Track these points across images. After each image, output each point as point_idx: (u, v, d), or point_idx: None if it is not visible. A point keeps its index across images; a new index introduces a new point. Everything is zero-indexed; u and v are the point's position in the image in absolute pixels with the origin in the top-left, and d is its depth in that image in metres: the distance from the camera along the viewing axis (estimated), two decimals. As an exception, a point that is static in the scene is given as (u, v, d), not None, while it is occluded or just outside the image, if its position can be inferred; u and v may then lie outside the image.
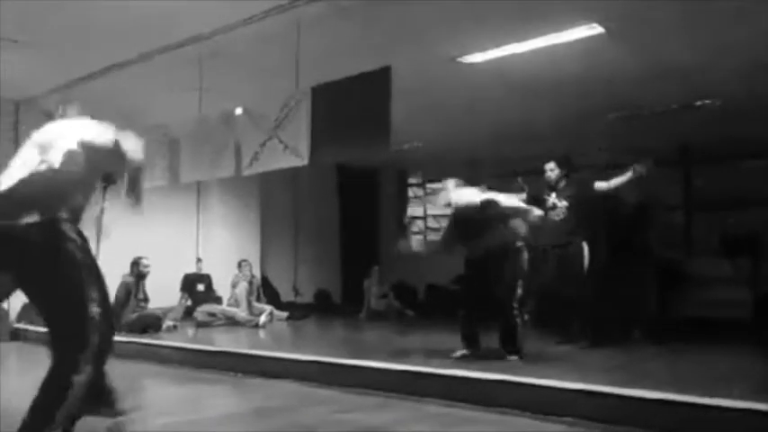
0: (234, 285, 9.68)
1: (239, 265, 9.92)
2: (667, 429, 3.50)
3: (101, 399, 3.12)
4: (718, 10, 5.54)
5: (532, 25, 5.98)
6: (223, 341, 7.39)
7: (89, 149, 3.01)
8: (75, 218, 3.06)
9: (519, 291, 5.35)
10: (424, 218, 13.74)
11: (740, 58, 6.65)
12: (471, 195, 5.55)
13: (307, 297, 11.98)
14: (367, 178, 13.57)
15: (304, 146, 5.93)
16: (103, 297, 3.01)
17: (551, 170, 6.42)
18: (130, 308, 7.94)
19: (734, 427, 3.41)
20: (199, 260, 10.34)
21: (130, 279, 8.18)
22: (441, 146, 10.98)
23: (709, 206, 10.04)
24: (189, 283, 9.87)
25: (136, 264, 8.28)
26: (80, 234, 3.02)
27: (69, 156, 2.95)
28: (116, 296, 7.93)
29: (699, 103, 7.95)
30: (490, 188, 5.76)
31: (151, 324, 7.92)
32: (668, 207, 10.26)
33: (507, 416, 3.95)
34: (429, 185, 13.76)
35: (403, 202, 14.07)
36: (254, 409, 4.26)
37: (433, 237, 13.45)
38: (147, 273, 8.29)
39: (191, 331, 8.35)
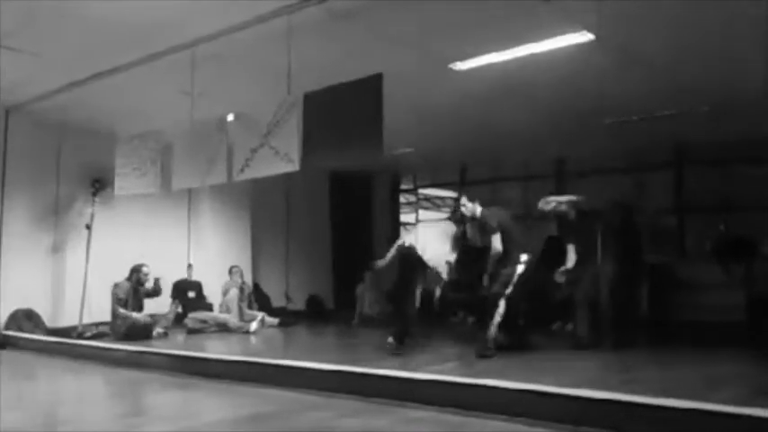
0: (225, 292, 9.65)
1: (230, 272, 9.90)
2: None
3: None
4: (707, 16, 5.58)
5: (524, 32, 6.00)
6: (214, 348, 7.36)
7: None
8: None
9: None
10: (416, 224, 13.76)
11: (730, 63, 6.70)
12: None
13: (298, 303, 11.94)
14: (359, 184, 13.57)
15: (295, 152, 5.92)
16: None
17: (463, 205, 6.68)
18: (122, 314, 7.93)
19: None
20: (189, 267, 10.29)
21: (127, 284, 8.17)
22: (433, 151, 11.01)
23: (701, 210, 10.12)
24: (180, 289, 9.83)
25: (136, 271, 8.29)
26: None
27: None
28: (116, 298, 7.97)
29: (689, 108, 8.01)
30: None
31: (142, 331, 7.89)
32: (661, 210, 10.36)
33: (497, 420, 3.95)
34: (421, 191, 13.78)
35: (395, 207, 14.08)
36: (247, 416, 4.24)
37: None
38: (146, 281, 8.32)
39: (181, 338, 8.32)
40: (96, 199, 9.06)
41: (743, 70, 6.81)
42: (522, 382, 4.26)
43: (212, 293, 10.01)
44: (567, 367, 5.66)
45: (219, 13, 5.59)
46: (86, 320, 8.62)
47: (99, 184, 9.01)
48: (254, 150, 6.25)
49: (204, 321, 9.12)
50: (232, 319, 9.20)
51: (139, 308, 8.29)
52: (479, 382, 4.35)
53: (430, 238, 7.12)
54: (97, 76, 7.00)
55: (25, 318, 8.22)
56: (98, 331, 8.33)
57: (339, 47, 6.31)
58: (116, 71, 6.82)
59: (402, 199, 14.13)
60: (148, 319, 8.19)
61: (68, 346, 7.31)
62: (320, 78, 5.76)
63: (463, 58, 6.70)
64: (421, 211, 13.79)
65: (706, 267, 8.84)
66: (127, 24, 5.81)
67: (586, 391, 3.96)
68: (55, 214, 8.93)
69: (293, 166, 5.98)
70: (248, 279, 10.72)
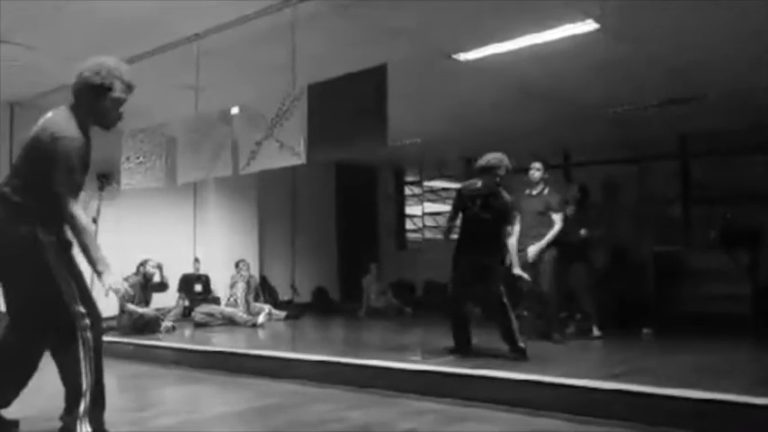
0: (232, 285, 9.68)
1: (237, 265, 9.92)
2: (663, 424, 3.51)
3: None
4: (711, 3, 5.55)
5: (528, 21, 5.98)
6: (221, 341, 7.38)
7: None
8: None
9: None
10: (422, 216, 13.76)
11: (735, 51, 6.66)
12: None
13: (305, 296, 11.98)
14: (364, 176, 13.58)
15: (301, 144, 5.92)
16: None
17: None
18: (129, 308, 7.96)
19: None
20: (196, 260, 10.33)
21: (134, 279, 8.20)
22: (438, 143, 10.99)
23: (706, 199, 10.09)
24: (187, 283, 9.87)
25: (143, 265, 8.31)
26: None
27: None
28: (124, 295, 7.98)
29: (694, 96, 7.96)
30: None
31: (149, 325, 7.92)
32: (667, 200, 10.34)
33: (504, 412, 3.95)
34: (426, 183, 13.77)
35: (400, 199, 14.08)
36: (254, 409, 4.26)
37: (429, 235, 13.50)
38: (153, 274, 8.34)
39: (189, 332, 8.35)
40: (102, 193, 9.09)
41: (748, 58, 6.78)
42: (525, 373, 4.28)
43: (219, 287, 10.04)
44: (567, 358, 5.66)
45: (222, 7, 5.59)
46: (94, 314, 8.65)
47: (105, 179, 9.03)
48: (259, 143, 6.25)
49: (211, 315, 9.14)
50: (239, 312, 9.23)
51: (146, 302, 8.32)
52: (483, 373, 4.36)
53: None
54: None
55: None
56: (106, 325, 8.35)
57: (343, 38, 6.30)
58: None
59: (407, 191, 14.13)
60: (156, 314, 8.22)
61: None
62: (324, 70, 5.75)
63: (467, 48, 6.69)
64: (426, 204, 13.78)
65: (711, 256, 8.82)
66: (130, 19, 5.82)
67: (586, 381, 3.98)
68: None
69: (299, 159, 5.98)
70: (255, 272, 10.75)
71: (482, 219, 5.48)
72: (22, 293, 3.08)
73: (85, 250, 2.95)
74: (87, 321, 3.01)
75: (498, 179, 5.41)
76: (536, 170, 6.81)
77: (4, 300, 3.17)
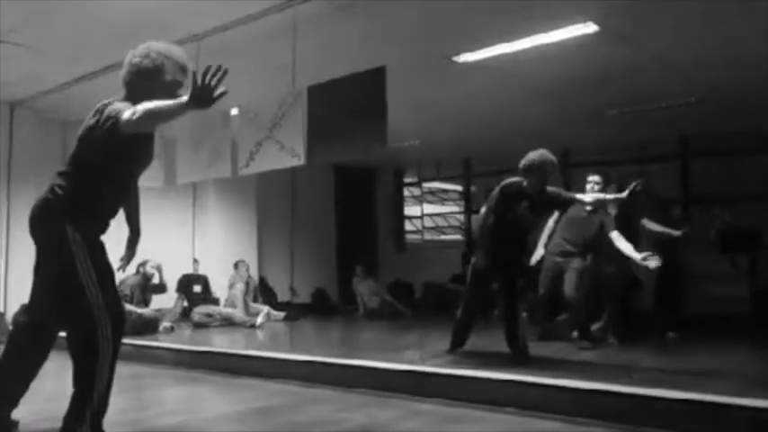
0: (230, 286, 9.68)
1: (236, 266, 9.92)
2: (659, 426, 3.51)
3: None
4: (711, 5, 5.56)
5: (527, 23, 5.99)
6: (220, 342, 7.37)
7: None
8: None
9: None
10: (421, 217, 13.76)
11: (736, 53, 6.67)
12: None
13: (303, 297, 11.98)
14: (363, 177, 13.59)
15: (300, 145, 5.92)
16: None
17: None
18: (128, 309, 7.96)
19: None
20: (195, 261, 10.31)
21: (134, 279, 8.20)
22: (437, 144, 11.00)
23: (706, 200, 10.09)
24: (185, 284, 9.85)
25: (142, 265, 8.32)
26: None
27: None
28: (122, 294, 7.99)
29: (694, 98, 7.97)
30: None
31: (148, 325, 7.91)
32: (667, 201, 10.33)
33: (502, 414, 3.95)
34: (425, 184, 13.78)
35: (399, 200, 14.09)
36: (253, 410, 4.25)
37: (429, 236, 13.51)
38: (153, 275, 8.34)
39: (188, 332, 8.35)
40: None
41: (749, 59, 6.78)
42: (524, 375, 4.27)
43: (218, 288, 10.03)
44: (568, 360, 5.65)
45: (223, 7, 5.59)
46: (93, 315, 8.64)
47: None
48: (258, 144, 6.26)
49: (210, 315, 9.14)
50: (237, 313, 9.22)
51: (146, 303, 8.32)
52: (483, 374, 4.36)
53: None
54: (101, 71, 7.01)
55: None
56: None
57: (342, 39, 6.31)
58: (120, 66, 6.82)
59: (406, 192, 14.14)
60: (155, 314, 8.21)
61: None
62: (324, 71, 5.76)
63: (466, 50, 6.70)
64: (425, 205, 13.79)
65: (710, 258, 8.82)
66: (129, 19, 5.82)
67: (584, 383, 3.97)
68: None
69: (298, 160, 5.99)
70: (254, 273, 10.75)
71: (521, 220, 5.24)
72: (48, 276, 3.13)
73: (161, 116, 2.75)
74: (109, 328, 2.94)
75: (544, 179, 5.13)
76: (595, 183, 6.31)
77: (33, 276, 3.23)
